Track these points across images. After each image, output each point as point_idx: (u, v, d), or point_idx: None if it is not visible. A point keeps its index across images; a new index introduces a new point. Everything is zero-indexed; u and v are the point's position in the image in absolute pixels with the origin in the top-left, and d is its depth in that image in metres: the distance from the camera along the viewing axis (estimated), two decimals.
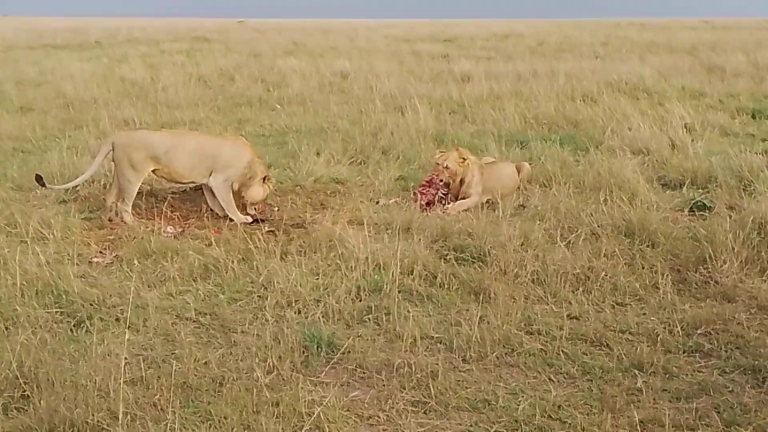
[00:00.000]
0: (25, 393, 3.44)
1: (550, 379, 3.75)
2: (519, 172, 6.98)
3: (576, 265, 4.95)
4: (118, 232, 5.80)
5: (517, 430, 3.32)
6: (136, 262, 5.10)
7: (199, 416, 3.35)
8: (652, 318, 4.39)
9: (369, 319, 4.34)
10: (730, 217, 5.69)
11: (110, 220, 5.97)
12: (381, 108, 10.45)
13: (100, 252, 5.40)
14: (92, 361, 3.71)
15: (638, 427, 3.26)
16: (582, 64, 16.55)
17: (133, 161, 5.93)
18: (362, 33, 32.03)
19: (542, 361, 3.90)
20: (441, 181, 6.47)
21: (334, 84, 13.63)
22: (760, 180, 6.76)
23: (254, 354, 3.86)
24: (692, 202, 6.35)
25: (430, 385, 3.61)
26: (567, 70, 15.11)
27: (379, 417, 3.41)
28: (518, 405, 3.47)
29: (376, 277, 4.76)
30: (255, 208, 6.36)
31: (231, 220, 6.10)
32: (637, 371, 3.77)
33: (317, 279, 4.81)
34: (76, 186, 6.41)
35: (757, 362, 3.85)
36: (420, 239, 5.31)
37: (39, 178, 6.26)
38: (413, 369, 3.74)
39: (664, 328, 4.23)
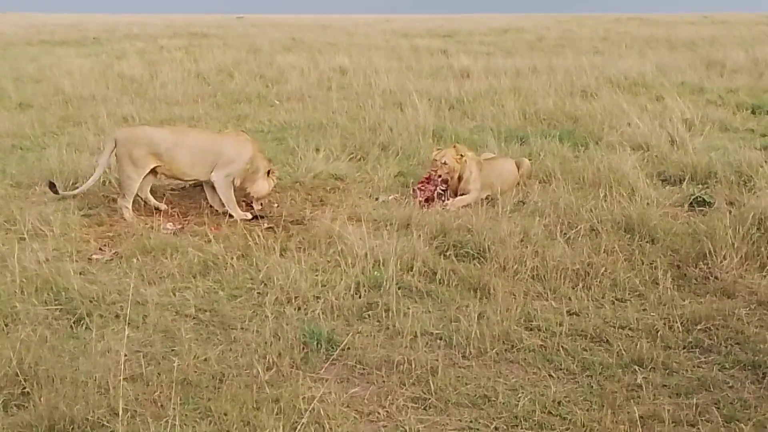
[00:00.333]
0: (25, 390, 3.44)
1: (549, 375, 3.75)
2: (518, 168, 6.97)
3: (576, 261, 4.95)
4: (117, 228, 5.79)
5: (517, 426, 3.32)
6: (135, 258, 5.10)
7: (199, 413, 3.35)
8: (651, 314, 4.39)
9: (369, 315, 4.35)
10: (730, 212, 5.70)
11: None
12: (380, 104, 10.43)
13: (100, 249, 5.40)
14: (92, 358, 3.71)
15: (638, 423, 3.26)
16: (581, 59, 16.52)
17: (134, 157, 5.92)
18: (361, 28, 31.97)
19: (542, 357, 3.90)
20: (439, 177, 6.47)
21: (333, 80, 13.60)
22: (760, 175, 6.77)
23: (254, 350, 3.86)
24: (692, 197, 6.35)
25: (430, 382, 3.61)
26: (566, 65, 15.10)
27: (378, 413, 3.41)
28: (518, 401, 3.48)
29: (375, 273, 4.76)
30: (261, 204, 6.36)
31: (230, 216, 6.10)
32: (636, 367, 3.77)
33: (317, 275, 4.81)
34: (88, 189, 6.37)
35: (756, 358, 3.86)
36: (419, 235, 5.31)
37: (52, 185, 6.27)
38: (413, 365, 3.74)
39: (664, 323, 4.24)
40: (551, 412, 3.41)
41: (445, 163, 6.46)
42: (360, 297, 4.54)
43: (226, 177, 6.10)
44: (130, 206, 6.01)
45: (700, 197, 6.33)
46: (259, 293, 4.63)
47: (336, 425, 3.26)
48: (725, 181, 6.76)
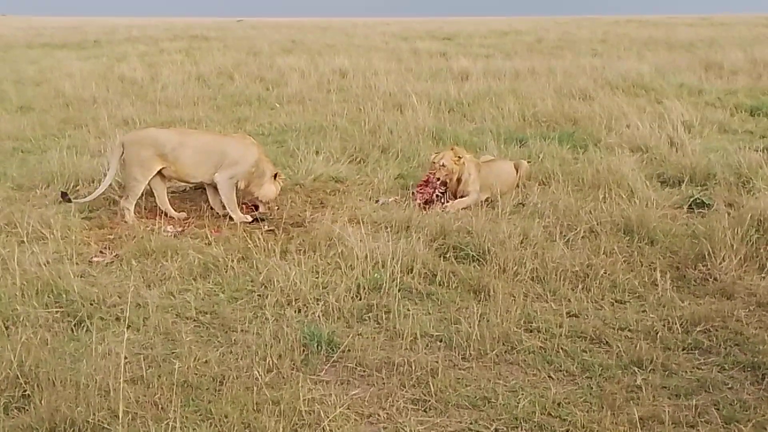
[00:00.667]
0: (26, 392, 3.45)
1: (549, 376, 3.76)
2: (518, 170, 6.98)
3: (575, 262, 4.96)
4: (117, 231, 5.80)
5: (516, 427, 3.33)
6: (135, 261, 5.11)
7: (200, 415, 3.36)
8: (651, 315, 4.39)
9: (369, 317, 4.35)
10: (729, 214, 5.70)
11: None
12: (380, 106, 10.44)
13: (100, 251, 5.41)
14: (93, 360, 3.72)
15: (638, 424, 3.27)
16: (580, 61, 16.55)
17: (141, 159, 5.95)
18: (360, 30, 32.00)
19: (542, 359, 3.90)
20: (438, 180, 6.48)
21: (332, 82, 13.61)
22: (759, 177, 6.78)
23: (254, 352, 3.86)
24: (691, 199, 6.36)
25: (430, 383, 3.62)
26: (565, 67, 15.12)
27: (379, 415, 3.42)
28: (518, 402, 3.48)
29: (375, 275, 4.76)
30: (268, 207, 6.37)
31: (230, 219, 6.11)
32: (636, 368, 3.78)
33: (317, 277, 4.82)
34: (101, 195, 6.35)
35: (756, 359, 3.86)
36: (419, 237, 5.31)
37: (64, 195, 6.29)
38: (413, 367, 3.75)
39: (663, 325, 4.24)
40: (551, 414, 3.41)
41: (443, 166, 6.47)
42: (360, 299, 4.54)
43: (230, 179, 6.12)
44: (132, 208, 6.03)
45: (699, 199, 6.34)
46: (259, 295, 4.63)
47: (336, 427, 3.27)
48: (724, 183, 6.77)
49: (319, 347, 3.92)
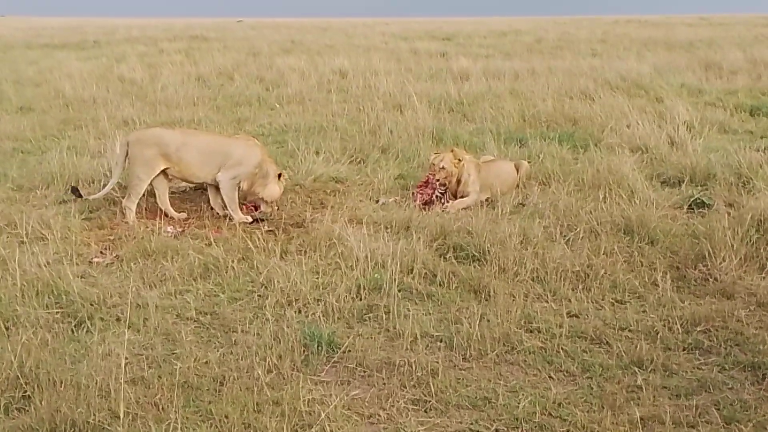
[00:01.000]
0: (26, 393, 3.45)
1: (550, 376, 3.76)
2: (518, 170, 6.99)
3: (575, 262, 4.96)
4: (118, 232, 5.80)
5: (517, 427, 3.33)
6: (136, 262, 5.11)
7: (200, 415, 3.36)
8: (651, 315, 4.40)
9: (369, 317, 4.35)
10: (729, 214, 5.70)
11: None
12: (380, 106, 10.45)
13: (100, 252, 5.41)
14: (93, 361, 3.72)
15: (638, 424, 3.27)
16: (580, 61, 16.55)
17: (145, 158, 5.96)
18: (360, 31, 32.00)
19: (542, 359, 3.90)
20: (437, 181, 6.48)
21: (332, 82, 13.61)
22: (759, 177, 6.78)
23: (255, 353, 3.86)
24: (691, 199, 6.36)
25: (431, 384, 3.62)
26: (565, 67, 15.12)
27: (379, 415, 3.42)
28: (518, 403, 3.48)
29: (376, 275, 4.76)
30: (272, 207, 6.38)
31: (230, 219, 6.11)
32: (636, 368, 3.78)
33: (317, 278, 4.82)
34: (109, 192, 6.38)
35: (756, 359, 3.86)
36: (419, 238, 5.31)
37: (75, 190, 6.30)
38: (413, 367, 3.75)
39: (664, 325, 4.24)
40: (551, 414, 3.42)
41: (443, 168, 6.47)
42: (360, 299, 4.54)
43: (232, 179, 6.12)
44: (134, 208, 6.04)
45: (700, 199, 6.34)
46: (259, 296, 4.64)
47: (337, 427, 3.27)
48: (724, 183, 6.77)
49: (320, 348, 3.92)
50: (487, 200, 6.55)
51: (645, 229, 5.54)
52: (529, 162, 7.37)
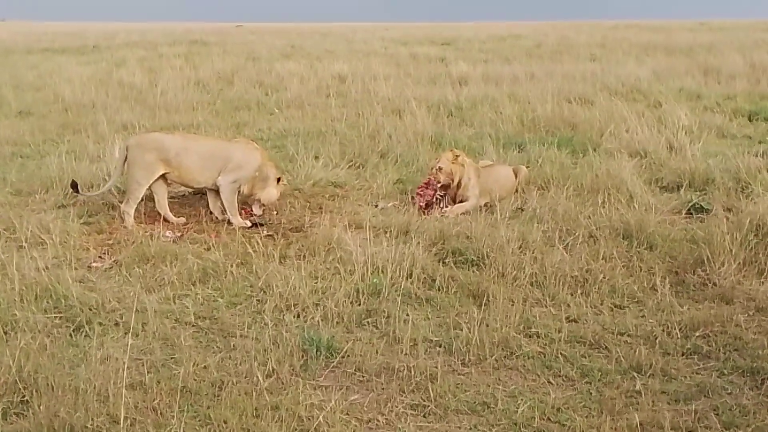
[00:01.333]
0: (25, 398, 3.45)
1: (549, 381, 3.76)
2: (516, 175, 6.99)
3: (574, 267, 4.97)
4: (116, 236, 5.80)
5: None
6: (135, 266, 5.11)
7: (199, 420, 3.36)
8: (650, 320, 4.40)
9: (368, 322, 4.35)
10: (728, 218, 5.71)
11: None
12: (379, 111, 10.46)
13: (99, 256, 5.41)
14: (92, 366, 3.71)
15: (637, 429, 3.27)
16: (579, 66, 16.58)
17: (145, 162, 5.97)
18: (360, 36, 32.04)
19: (541, 364, 3.91)
20: (438, 182, 6.50)
21: (331, 87, 13.63)
22: (758, 182, 6.78)
23: (253, 358, 3.86)
24: (690, 204, 6.37)
25: (430, 389, 3.62)
26: (564, 72, 15.14)
27: (378, 420, 3.42)
28: (517, 408, 3.48)
29: (375, 280, 4.77)
30: (263, 210, 6.38)
31: (229, 223, 6.11)
32: (635, 373, 3.78)
33: (316, 282, 4.82)
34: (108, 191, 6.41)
35: (755, 364, 3.86)
36: (419, 242, 5.32)
37: (74, 185, 6.30)
38: (412, 372, 3.75)
39: (663, 330, 4.25)
40: (550, 419, 3.42)
41: (441, 168, 6.48)
42: (359, 304, 4.54)
43: (232, 183, 6.13)
44: (132, 212, 6.04)
45: (698, 203, 6.35)
46: (258, 300, 4.63)
47: None
48: (723, 188, 6.77)
49: (319, 352, 3.92)
50: (486, 205, 6.55)
51: (644, 233, 5.54)
52: (527, 167, 7.38)
